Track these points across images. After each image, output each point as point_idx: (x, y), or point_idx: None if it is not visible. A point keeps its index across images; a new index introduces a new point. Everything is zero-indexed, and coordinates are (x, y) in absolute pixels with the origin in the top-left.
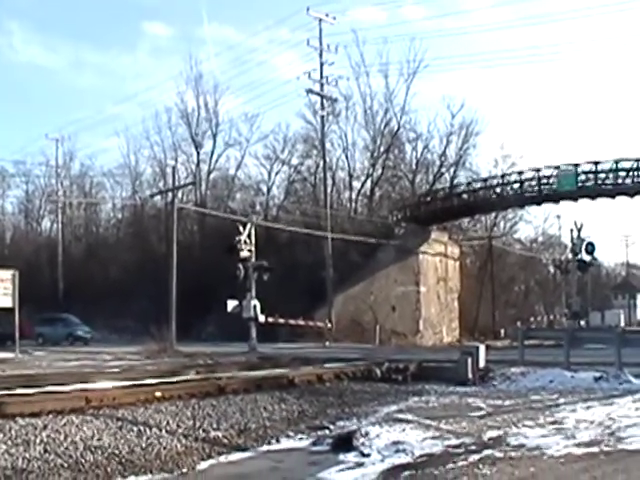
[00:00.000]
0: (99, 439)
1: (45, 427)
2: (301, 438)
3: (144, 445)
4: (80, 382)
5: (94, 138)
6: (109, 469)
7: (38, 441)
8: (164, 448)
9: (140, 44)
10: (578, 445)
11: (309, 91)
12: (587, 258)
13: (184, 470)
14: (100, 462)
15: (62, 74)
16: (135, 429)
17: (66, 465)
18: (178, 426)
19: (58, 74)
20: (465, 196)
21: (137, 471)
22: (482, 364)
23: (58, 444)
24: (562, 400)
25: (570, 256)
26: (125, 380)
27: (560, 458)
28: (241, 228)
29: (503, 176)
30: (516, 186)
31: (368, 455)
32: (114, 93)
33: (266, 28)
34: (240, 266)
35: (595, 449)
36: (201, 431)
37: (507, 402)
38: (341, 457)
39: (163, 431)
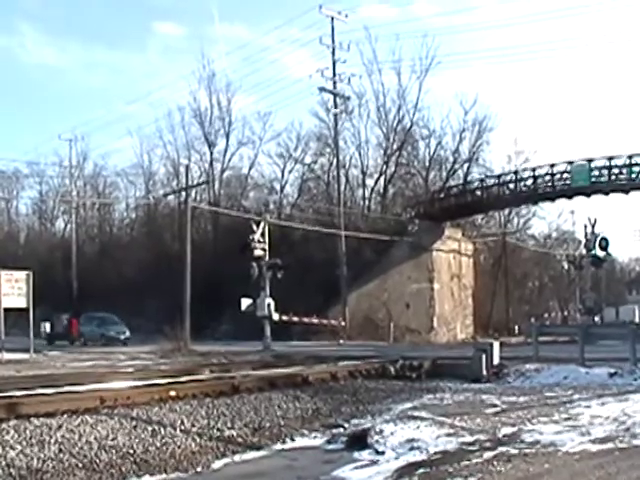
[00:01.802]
0: (113, 439)
1: (60, 427)
2: (315, 436)
3: (158, 444)
4: (94, 382)
5: (107, 138)
6: (124, 468)
7: (53, 441)
8: (178, 447)
9: (151, 44)
10: (593, 441)
11: (322, 89)
12: (601, 254)
13: (199, 469)
14: (115, 462)
15: (74, 74)
16: (149, 428)
17: (81, 465)
18: (192, 425)
19: (70, 74)
20: (478, 193)
21: (152, 470)
22: (496, 361)
23: (73, 444)
24: (576, 396)
25: (584, 252)
26: (139, 380)
27: (575, 454)
28: (255, 227)
29: (516, 172)
30: (529, 182)
31: (382, 453)
32: (126, 93)
33: (277, 27)
34: (254, 264)
35: (610, 445)
36: (215, 430)
37: (521, 399)
38: (355, 455)
39: (177, 430)
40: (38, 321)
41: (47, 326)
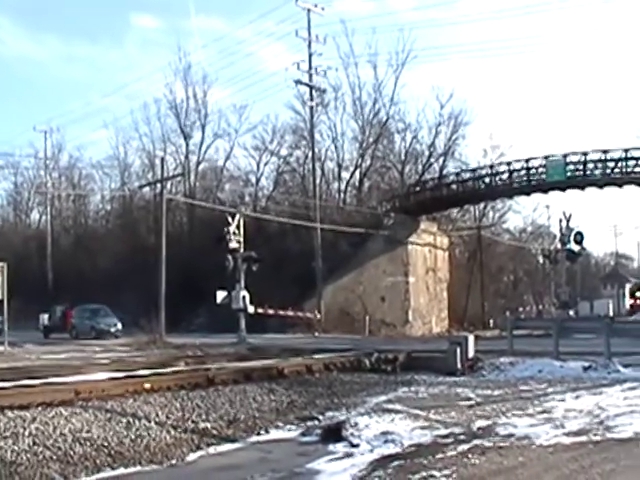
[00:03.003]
0: (88, 431)
1: (34, 419)
2: (290, 429)
3: (133, 437)
4: (69, 374)
5: (83, 130)
6: (98, 461)
7: (27, 433)
8: (153, 440)
9: (128, 37)
10: (567, 434)
11: (298, 82)
12: (576, 248)
13: (173, 461)
14: (89, 454)
15: (51, 67)
16: (124, 421)
17: (55, 457)
18: (167, 417)
19: (47, 67)
20: (454, 186)
21: (126, 463)
22: (471, 354)
23: (47, 436)
24: (551, 390)
25: (559, 246)
26: (114, 372)
27: (549, 447)
28: (230, 219)
29: (492, 166)
30: (505, 176)
31: (357, 445)
32: (103, 85)
33: (253, 20)
34: (229, 257)
35: (584, 438)
36: (190, 422)
37: (496, 392)
38: (330, 448)
39: (152, 422)
40: (37, 313)
41: (45, 318)
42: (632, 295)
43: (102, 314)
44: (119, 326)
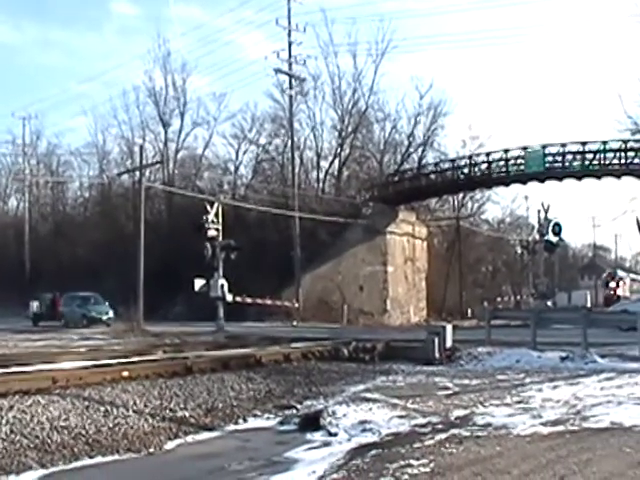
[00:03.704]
0: (66, 419)
1: (11, 408)
2: (268, 417)
3: (111, 425)
4: (47, 362)
5: (61, 117)
6: (76, 449)
7: (4, 422)
8: (131, 428)
9: (107, 23)
10: (544, 424)
11: (277, 70)
12: (554, 239)
13: (151, 450)
14: (67, 442)
15: (29, 53)
16: (102, 409)
17: (32, 446)
18: (145, 406)
19: (24, 53)
20: (433, 176)
21: (104, 451)
22: (449, 344)
23: (24, 425)
24: (528, 380)
25: (537, 237)
26: (92, 360)
27: (526, 437)
28: (209, 207)
29: (471, 157)
30: (484, 167)
31: (335, 434)
32: (82, 72)
33: (232, 8)
34: (207, 245)
35: (561, 428)
36: (168, 411)
37: (474, 381)
38: (308, 436)
39: (130, 411)
40: (15, 301)
41: (35, 306)
42: (606, 286)
43: (93, 302)
44: (111, 314)
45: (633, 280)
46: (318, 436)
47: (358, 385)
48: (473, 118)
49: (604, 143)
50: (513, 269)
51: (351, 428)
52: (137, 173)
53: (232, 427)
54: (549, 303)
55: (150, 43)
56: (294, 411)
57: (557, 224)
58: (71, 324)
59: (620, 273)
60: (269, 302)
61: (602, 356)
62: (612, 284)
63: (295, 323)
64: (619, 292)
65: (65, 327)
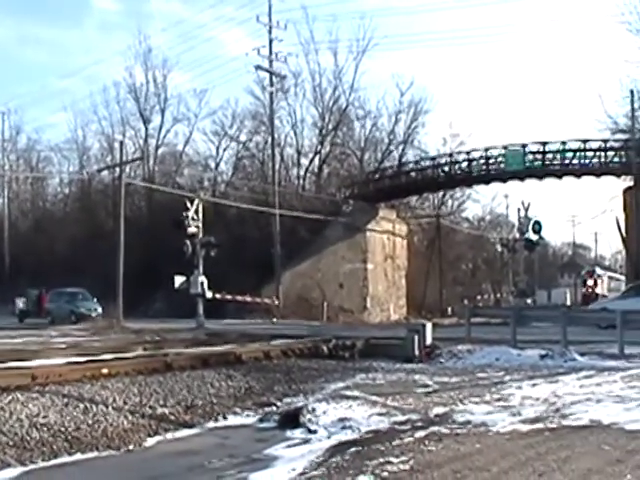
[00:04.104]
0: (45, 416)
1: None
2: (248, 415)
3: (90, 422)
4: (26, 359)
5: (41, 112)
6: (55, 446)
7: None
8: (111, 425)
9: (88, 19)
10: (524, 422)
11: (258, 67)
12: (534, 237)
13: (131, 447)
14: (46, 439)
15: (8, 48)
16: (81, 406)
17: (11, 443)
18: (125, 403)
19: (4, 48)
20: (413, 174)
21: (83, 448)
22: (429, 341)
23: (3, 422)
24: (508, 377)
25: (517, 235)
26: (71, 357)
27: (506, 434)
28: (189, 204)
29: (451, 155)
30: (464, 165)
31: (315, 432)
32: (62, 68)
33: (213, 4)
34: (187, 242)
35: (540, 425)
36: (148, 408)
37: (453, 379)
38: (288, 434)
39: (110, 408)
40: (8, 297)
41: (21, 302)
42: (584, 284)
43: (81, 298)
44: (99, 310)
45: (611, 278)
46: (298, 433)
47: (338, 382)
48: (454, 116)
49: (584, 142)
50: (493, 267)
51: (331, 425)
52: (117, 169)
53: (212, 424)
54: (529, 301)
55: (131, 39)
56: (274, 408)
57: (537, 222)
58: (58, 321)
59: (598, 271)
60: (249, 299)
61: (581, 354)
62: (590, 282)
63: (275, 320)
64: (597, 290)
65: (52, 324)
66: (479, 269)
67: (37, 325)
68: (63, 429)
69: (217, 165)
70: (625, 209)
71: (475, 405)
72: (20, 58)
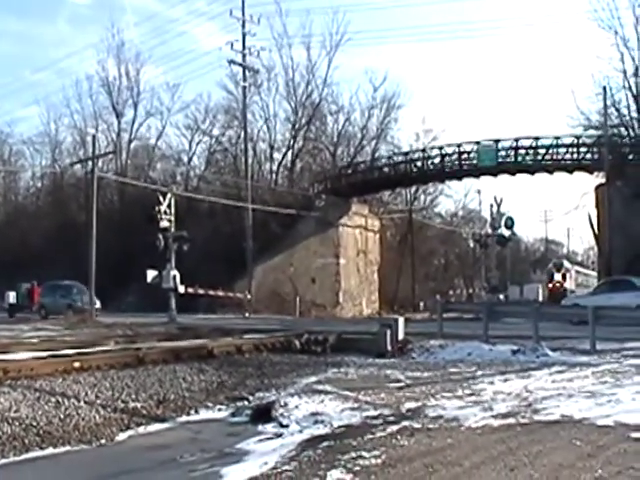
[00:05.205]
0: (16, 410)
1: None
2: (220, 409)
3: (62, 416)
4: None
5: (13, 105)
6: (26, 441)
7: None
8: (82, 419)
9: (60, 12)
10: (495, 417)
11: (231, 62)
12: (506, 233)
13: (102, 441)
14: (17, 434)
15: None
16: (53, 400)
17: None
18: (97, 397)
19: None
20: (386, 169)
21: (55, 442)
22: (401, 336)
23: None
24: (480, 372)
25: (490, 230)
26: (43, 351)
27: (477, 429)
28: (161, 198)
29: (424, 150)
30: (437, 160)
31: (287, 426)
32: (34, 61)
33: None
34: (160, 236)
35: (512, 420)
36: (120, 402)
37: (425, 374)
38: (260, 428)
39: (81, 402)
40: (4, 290)
41: (11, 296)
42: (551, 278)
43: (76, 291)
44: (98, 304)
45: (578, 272)
46: (270, 428)
47: (310, 377)
48: (427, 112)
49: (557, 138)
50: (465, 262)
51: (303, 420)
52: (90, 163)
53: (184, 418)
54: (501, 296)
55: (104, 32)
56: (246, 403)
57: (509, 218)
58: (53, 314)
59: (566, 264)
60: (221, 294)
61: (553, 349)
62: (558, 276)
63: (247, 315)
64: (566, 285)
65: (44, 318)
66: (451, 264)
67: (31, 320)
68: (35, 423)
69: (190, 159)
70: (597, 205)
71: (447, 400)
72: None
